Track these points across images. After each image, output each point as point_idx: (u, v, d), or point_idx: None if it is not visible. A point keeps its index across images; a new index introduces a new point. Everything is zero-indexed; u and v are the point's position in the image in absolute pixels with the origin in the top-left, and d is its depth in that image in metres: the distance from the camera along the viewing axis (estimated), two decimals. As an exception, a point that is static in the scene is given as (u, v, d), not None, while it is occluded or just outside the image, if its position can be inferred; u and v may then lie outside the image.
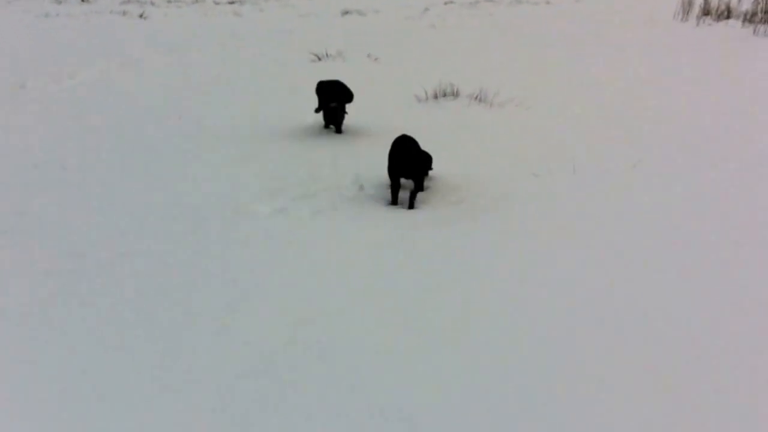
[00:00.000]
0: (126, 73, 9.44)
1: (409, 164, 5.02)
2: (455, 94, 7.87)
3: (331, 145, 6.38)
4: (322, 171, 5.62)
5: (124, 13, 16.93)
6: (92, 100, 7.98)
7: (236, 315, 3.42)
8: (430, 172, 5.42)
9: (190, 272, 3.89)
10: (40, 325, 3.33)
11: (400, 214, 4.82)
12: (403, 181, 5.08)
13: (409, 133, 5.35)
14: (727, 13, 16.21)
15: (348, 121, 6.90)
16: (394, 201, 5.03)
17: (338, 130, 6.81)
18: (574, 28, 15.51)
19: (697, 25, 15.29)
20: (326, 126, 6.92)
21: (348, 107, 6.82)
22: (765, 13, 14.98)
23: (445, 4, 24.13)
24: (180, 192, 5.12)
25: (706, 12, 16.50)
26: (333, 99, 6.68)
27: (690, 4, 16.62)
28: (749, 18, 15.16)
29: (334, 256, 4.10)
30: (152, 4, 20.75)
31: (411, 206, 4.95)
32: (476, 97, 7.74)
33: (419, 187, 5.07)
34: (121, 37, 13.02)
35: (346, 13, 19.43)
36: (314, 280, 3.80)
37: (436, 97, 7.88)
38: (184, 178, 5.41)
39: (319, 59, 10.59)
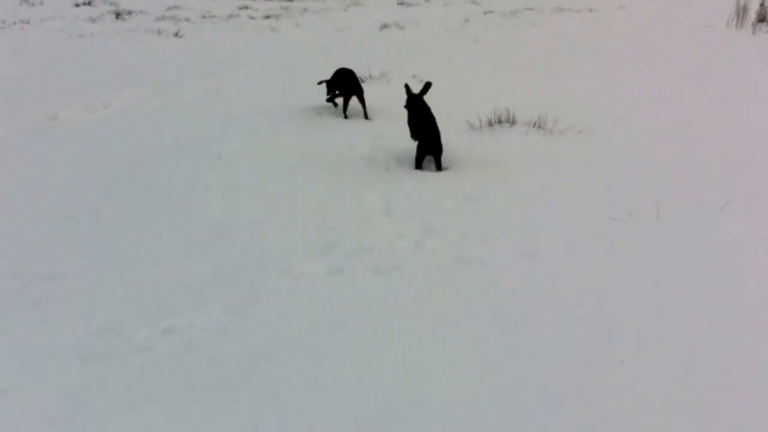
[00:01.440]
0: (162, 101, 9.03)
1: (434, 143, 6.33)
2: (511, 121, 7.34)
3: (384, 183, 5.88)
4: (375, 218, 5.13)
5: (159, 31, 16.61)
6: (127, 132, 7.56)
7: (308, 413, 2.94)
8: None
9: (246, 355, 3.41)
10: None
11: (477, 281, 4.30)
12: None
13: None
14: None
15: (398, 153, 6.53)
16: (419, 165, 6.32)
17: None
18: (623, 38, 14.93)
19: (754, 33, 14.61)
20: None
21: (395, 133, 6.97)
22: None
23: (485, 14, 23.60)
24: (222, 250, 4.65)
25: (761, 18, 15.80)
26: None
27: (745, 10, 15.93)
28: (810, 25, 14.52)
29: (413, 335, 3.58)
30: (187, 20, 20.48)
31: (438, 168, 6.31)
32: (534, 124, 7.20)
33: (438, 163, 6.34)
34: (156, 58, 12.67)
35: (384, 26, 18.97)
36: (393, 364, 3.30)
37: (490, 123, 7.36)
38: (225, 232, 4.93)
39: (362, 81, 10.11)
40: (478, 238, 4.68)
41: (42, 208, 5.41)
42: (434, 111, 7.57)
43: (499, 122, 7.33)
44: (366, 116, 8.26)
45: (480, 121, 7.38)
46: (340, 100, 8.48)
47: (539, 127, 7.14)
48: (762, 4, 15.71)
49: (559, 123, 7.18)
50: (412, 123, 6.49)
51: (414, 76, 10.25)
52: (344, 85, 8.29)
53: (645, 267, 4.17)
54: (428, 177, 6.03)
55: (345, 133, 7.45)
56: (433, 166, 6.35)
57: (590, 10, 24.28)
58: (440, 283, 4.12)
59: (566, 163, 6.22)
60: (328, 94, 8.30)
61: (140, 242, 4.78)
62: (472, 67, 11.49)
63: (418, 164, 6.32)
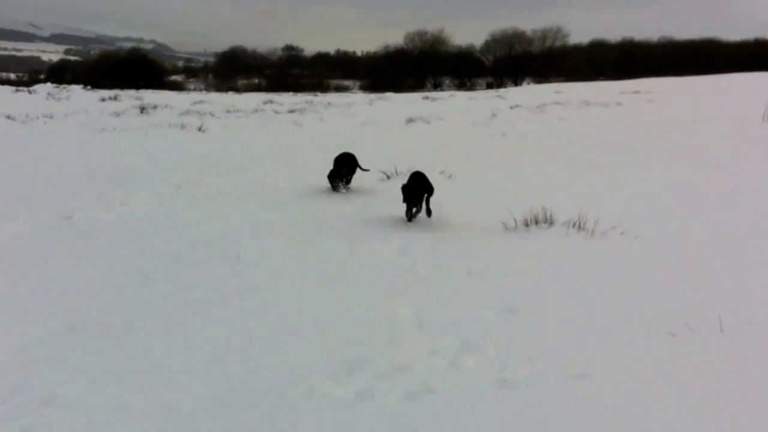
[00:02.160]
0: (181, 200, 8.70)
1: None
2: (549, 221, 6.90)
3: (415, 290, 5.41)
4: (405, 331, 4.65)
5: (183, 125, 16.56)
6: (142, 233, 7.17)
7: None
8: None
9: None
10: None
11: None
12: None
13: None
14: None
15: (428, 256, 6.11)
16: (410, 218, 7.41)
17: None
18: (655, 134, 14.63)
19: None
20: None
21: (428, 236, 6.92)
22: None
23: (511, 108, 23.55)
24: (239, 369, 4.16)
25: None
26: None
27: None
28: None
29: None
30: (212, 114, 20.54)
31: (429, 214, 7.46)
32: (574, 225, 6.75)
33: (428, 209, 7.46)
34: (178, 154, 12.46)
35: (410, 121, 18.85)
36: None
37: (527, 224, 6.91)
38: (242, 347, 4.44)
39: (388, 177, 9.79)
40: (522, 356, 4.18)
41: (44, 317, 4.97)
42: (465, 212, 7.23)
43: (536, 222, 6.89)
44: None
45: (515, 221, 6.96)
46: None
47: (579, 227, 6.69)
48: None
49: (600, 223, 6.74)
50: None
51: (442, 172, 9.91)
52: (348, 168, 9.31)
53: (714, 391, 3.64)
54: (462, 282, 5.55)
55: (371, 235, 7.06)
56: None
57: (618, 104, 24.20)
58: (480, 410, 3.60)
59: (612, 270, 5.73)
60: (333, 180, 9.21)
61: (146, 361, 4.31)
62: (502, 163, 11.18)
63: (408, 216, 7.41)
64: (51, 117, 17.76)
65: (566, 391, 3.74)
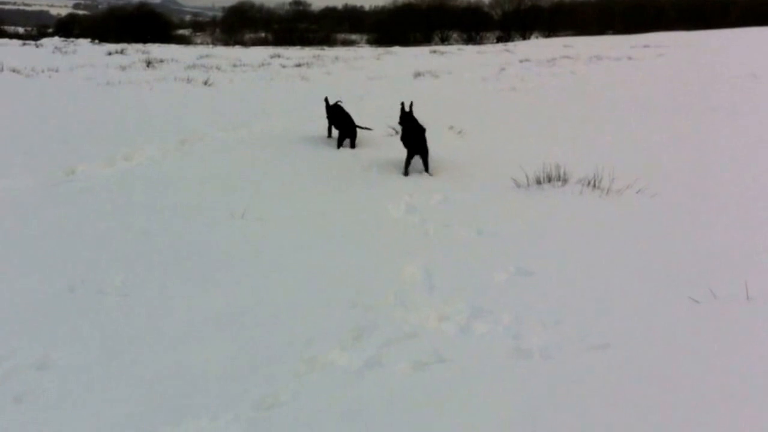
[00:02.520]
0: (185, 155, 8.49)
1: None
2: (562, 179, 6.67)
3: (423, 252, 5.21)
4: (414, 294, 4.46)
5: (189, 79, 16.27)
6: (145, 189, 6.98)
7: None
8: None
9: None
10: None
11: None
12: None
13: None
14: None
15: (437, 214, 5.94)
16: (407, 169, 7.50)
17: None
18: (666, 88, 14.29)
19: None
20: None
21: (437, 194, 6.72)
22: None
23: (521, 62, 23.14)
24: (240, 335, 3.98)
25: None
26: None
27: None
28: None
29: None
30: (218, 68, 20.22)
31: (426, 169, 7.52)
32: (588, 183, 6.53)
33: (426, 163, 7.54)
34: (183, 108, 12.21)
35: (418, 75, 18.51)
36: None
37: (539, 182, 6.70)
38: (244, 311, 4.26)
39: (397, 133, 9.54)
40: (537, 322, 4.00)
41: (42, 277, 4.80)
42: (476, 167, 7.04)
43: (549, 180, 6.68)
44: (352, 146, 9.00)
45: (527, 178, 6.74)
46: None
47: (594, 186, 6.47)
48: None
49: (615, 181, 6.51)
50: (404, 135, 7.74)
51: (451, 128, 9.67)
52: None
53: (739, 363, 3.45)
54: (473, 243, 5.35)
55: (379, 192, 6.86)
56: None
57: (629, 58, 23.75)
58: (494, 382, 3.42)
59: (630, 231, 5.51)
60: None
61: (146, 323, 4.14)
62: (512, 119, 10.91)
63: (407, 167, 7.49)
64: (56, 71, 17.44)
65: (587, 363, 3.55)
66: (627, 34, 52.25)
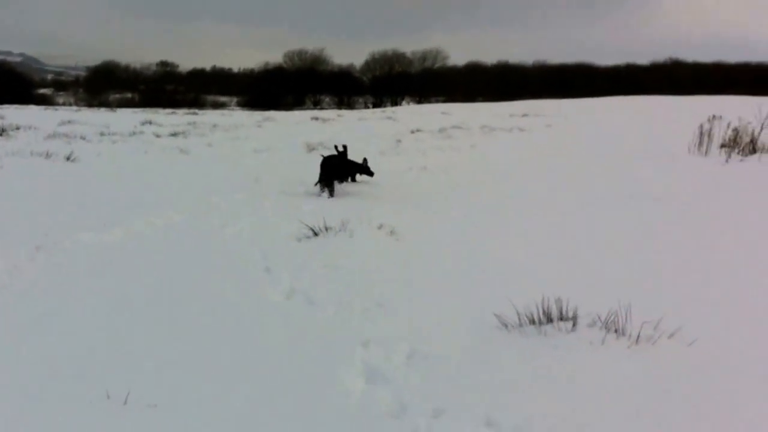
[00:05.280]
0: (36, 271, 6.32)
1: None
2: (569, 318, 4.98)
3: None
4: None
5: (48, 154, 13.81)
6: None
7: None
8: None
9: None
10: None
11: None
12: None
13: None
14: (753, 147, 14.25)
15: (411, 382, 4.05)
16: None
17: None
18: (590, 165, 13.21)
19: (727, 161, 13.20)
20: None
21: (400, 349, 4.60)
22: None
23: (413, 132, 21.91)
24: None
25: (725, 144, 14.52)
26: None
27: (710, 135, 14.63)
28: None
29: None
30: (83, 138, 17.89)
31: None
32: (607, 326, 4.85)
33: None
34: (39, 196, 9.91)
35: (312, 149, 16.81)
36: None
37: (534, 321, 4.99)
38: None
39: (316, 234, 7.74)
40: None
41: None
42: (432, 287, 5.39)
43: (549, 320, 4.98)
44: None
45: (518, 315, 5.04)
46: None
47: (616, 331, 4.79)
48: (734, 129, 14.39)
49: (633, 319, 4.88)
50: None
51: (380, 227, 7.97)
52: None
53: None
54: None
55: (323, 354, 4.99)
56: None
57: (521, 130, 23.00)
58: None
59: (685, 413, 3.86)
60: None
61: None
62: (443, 209, 9.36)
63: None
64: None
65: None
66: (497, 101, 53.13)
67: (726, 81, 68.27)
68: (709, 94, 50.98)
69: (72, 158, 13.62)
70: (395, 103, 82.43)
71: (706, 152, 14.17)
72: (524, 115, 32.28)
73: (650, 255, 6.94)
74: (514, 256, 6.89)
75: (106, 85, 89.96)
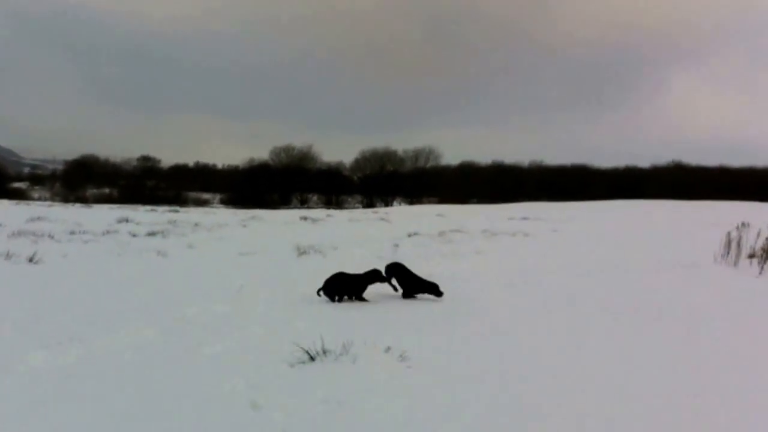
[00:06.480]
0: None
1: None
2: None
3: None
4: None
5: (9, 254, 12.41)
6: None
7: None
8: None
9: None
10: None
11: None
12: None
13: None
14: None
15: None
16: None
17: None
18: (593, 276, 12.04)
19: (761, 273, 12.17)
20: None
21: None
22: None
23: (410, 236, 20.72)
24: None
25: (752, 255, 13.46)
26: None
27: (739, 244, 13.55)
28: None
29: None
30: (51, 237, 16.55)
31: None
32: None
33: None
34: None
35: (302, 253, 15.54)
36: None
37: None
38: None
39: (312, 358, 6.40)
40: None
41: None
42: None
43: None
44: None
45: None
46: None
47: None
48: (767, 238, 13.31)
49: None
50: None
51: (388, 350, 6.68)
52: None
53: None
54: None
55: None
56: None
57: (525, 235, 21.95)
58: None
59: None
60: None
61: None
62: (457, 331, 8.04)
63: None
64: None
65: None
66: (492, 203, 52.46)
67: (731, 186, 67.75)
68: (715, 199, 50.76)
69: (35, 260, 12.28)
70: (386, 203, 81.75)
71: (735, 263, 13.07)
72: (524, 219, 31.50)
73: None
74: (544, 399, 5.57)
75: (84, 180, 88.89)
